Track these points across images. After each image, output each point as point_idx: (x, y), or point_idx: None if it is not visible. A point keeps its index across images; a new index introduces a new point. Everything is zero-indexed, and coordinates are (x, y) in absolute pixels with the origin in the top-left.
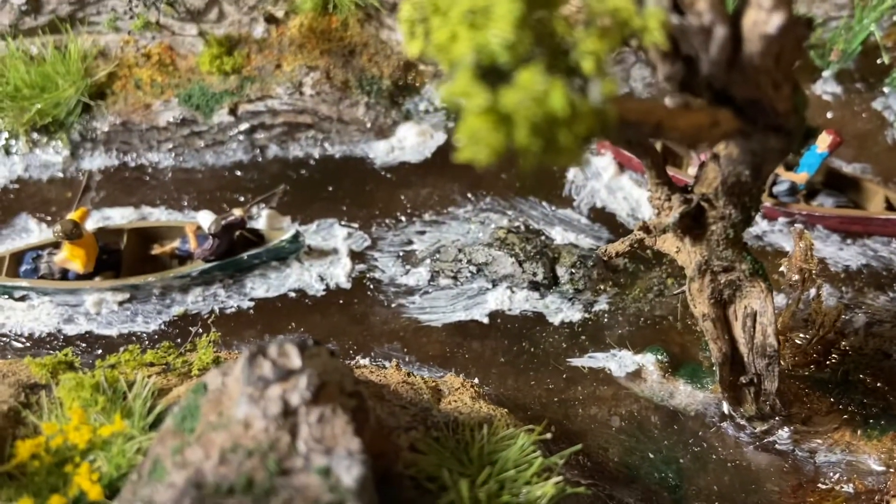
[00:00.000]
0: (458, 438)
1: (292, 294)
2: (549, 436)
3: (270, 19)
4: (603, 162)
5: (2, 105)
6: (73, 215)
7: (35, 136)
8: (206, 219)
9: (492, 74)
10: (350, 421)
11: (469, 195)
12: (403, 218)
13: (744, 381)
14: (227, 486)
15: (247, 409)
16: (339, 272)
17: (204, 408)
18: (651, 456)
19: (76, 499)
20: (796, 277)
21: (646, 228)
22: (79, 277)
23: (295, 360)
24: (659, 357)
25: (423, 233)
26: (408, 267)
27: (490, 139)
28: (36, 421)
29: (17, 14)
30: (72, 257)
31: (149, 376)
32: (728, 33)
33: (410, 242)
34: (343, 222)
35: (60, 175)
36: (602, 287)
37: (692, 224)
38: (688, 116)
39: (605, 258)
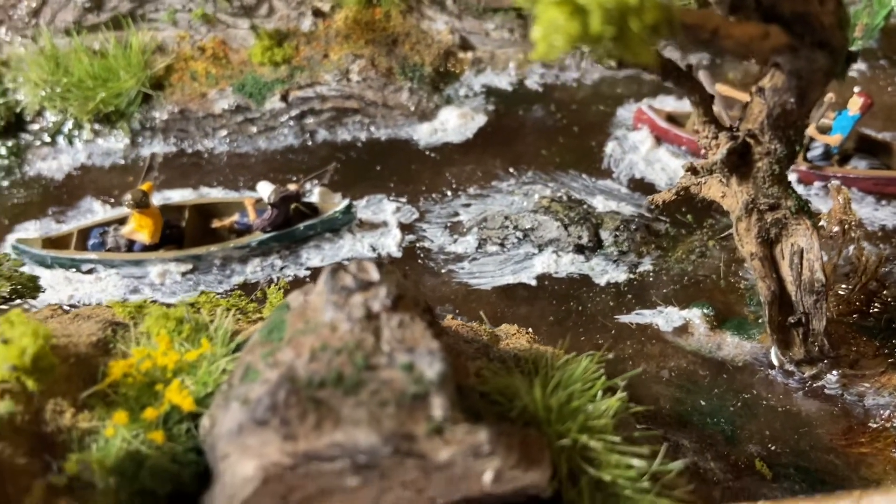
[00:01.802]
0: (521, 369)
1: (346, 262)
2: (610, 355)
3: (317, 13)
4: (640, 136)
5: (68, 95)
6: (141, 187)
7: (97, 125)
8: (265, 189)
9: None
10: (427, 327)
11: (511, 170)
12: (449, 192)
13: (792, 321)
14: (318, 380)
15: (332, 314)
16: (390, 242)
17: (289, 320)
18: (702, 403)
19: (167, 412)
20: (836, 229)
21: (693, 170)
22: (144, 249)
23: (374, 274)
24: (705, 311)
25: (468, 205)
26: (455, 236)
27: (567, 28)
28: (124, 349)
29: (80, 11)
30: (139, 228)
31: (225, 315)
32: None
33: (457, 214)
34: (391, 197)
35: (121, 162)
36: (645, 249)
37: (738, 161)
38: (742, 26)
39: (654, 206)
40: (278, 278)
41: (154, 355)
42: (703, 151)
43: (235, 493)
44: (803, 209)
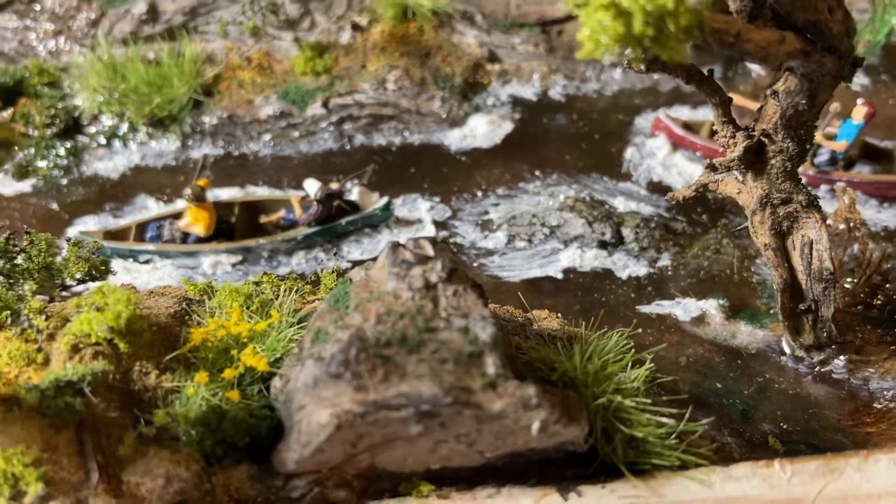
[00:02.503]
0: (555, 345)
1: (354, 268)
2: (640, 330)
3: (356, 27)
4: (657, 142)
5: (125, 101)
6: (198, 183)
7: (150, 129)
8: (312, 186)
9: None
10: (478, 297)
11: (537, 173)
12: (479, 193)
13: (802, 308)
14: (385, 340)
15: (394, 284)
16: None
17: (353, 291)
18: (718, 386)
19: (241, 375)
20: (843, 227)
21: (712, 167)
22: (198, 242)
23: (429, 250)
24: (721, 302)
25: (497, 205)
26: (486, 232)
27: (612, 28)
28: (200, 319)
29: (137, 23)
30: (195, 221)
31: (288, 293)
32: None
33: (486, 212)
34: (425, 197)
35: (172, 163)
36: (664, 246)
37: (754, 159)
38: (761, 32)
39: (674, 203)
40: (334, 264)
41: (227, 325)
42: (721, 150)
43: (311, 439)
44: (813, 203)
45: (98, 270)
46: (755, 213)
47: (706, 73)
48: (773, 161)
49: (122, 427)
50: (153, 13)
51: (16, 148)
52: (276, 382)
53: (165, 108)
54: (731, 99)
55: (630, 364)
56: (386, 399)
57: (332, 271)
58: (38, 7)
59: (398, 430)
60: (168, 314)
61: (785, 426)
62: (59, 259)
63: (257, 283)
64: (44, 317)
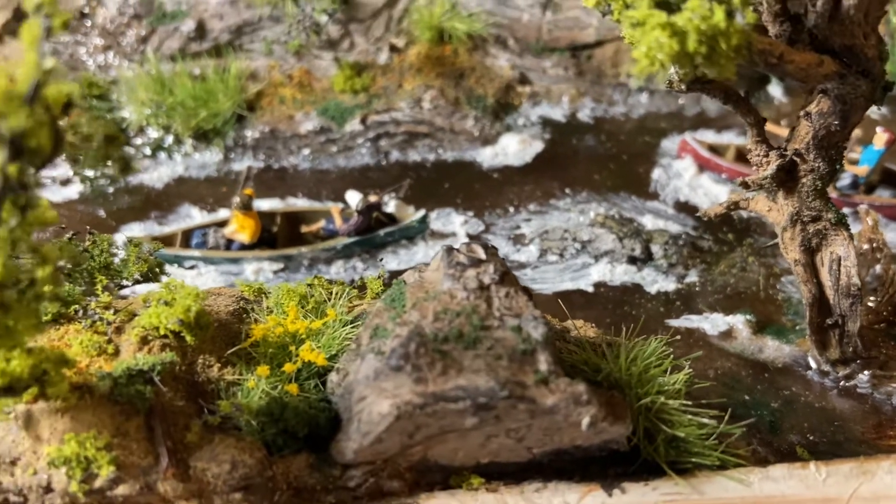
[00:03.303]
0: (594, 350)
1: (407, 271)
2: (678, 337)
3: (393, 48)
4: (684, 164)
5: (172, 114)
6: (246, 191)
7: (194, 141)
8: (353, 197)
9: (662, 5)
10: (528, 299)
11: (567, 191)
12: (511, 209)
13: (829, 323)
14: (442, 336)
15: (450, 285)
16: None
17: (408, 292)
18: (746, 398)
19: (298, 370)
20: (866, 247)
21: (745, 184)
22: (241, 249)
23: (481, 254)
24: (748, 317)
25: (528, 220)
26: (518, 246)
27: (669, 46)
28: (257, 317)
29: (185, 40)
30: (241, 229)
31: (340, 295)
32: None
33: (518, 227)
34: (459, 212)
35: (214, 175)
36: (691, 263)
37: (785, 177)
38: (801, 54)
39: (706, 218)
40: (381, 269)
41: (284, 323)
42: (755, 167)
43: (371, 429)
44: (841, 221)
45: (152, 272)
46: (786, 230)
47: (742, 94)
48: (804, 180)
49: (187, 416)
50: (201, 31)
51: (64, 157)
52: (333, 377)
53: (210, 121)
54: (765, 119)
55: (668, 370)
56: (444, 391)
57: (378, 276)
58: (89, 23)
59: (454, 422)
60: (227, 312)
61: (812, 437)
62: (116, 260)
63: (310, 286)
64: (112, 311)
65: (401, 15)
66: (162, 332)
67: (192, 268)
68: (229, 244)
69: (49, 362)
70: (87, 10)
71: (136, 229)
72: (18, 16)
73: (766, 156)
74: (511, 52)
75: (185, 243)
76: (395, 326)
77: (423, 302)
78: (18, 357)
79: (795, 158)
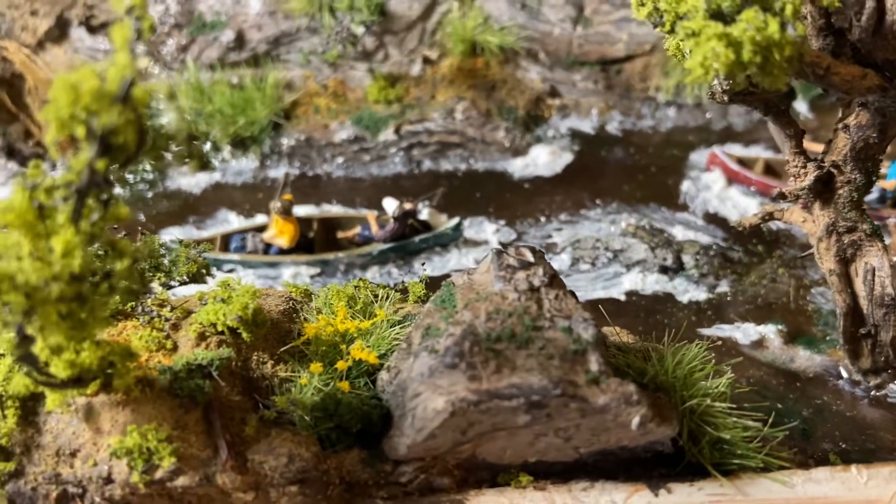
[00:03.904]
0: (634, 355)
1: (454, 274)
2: (719, 342)
3: (426, 60)
4: (713, 177)
5: (210, 121)
6: (284, 197)
7: (232, 148)
8: (390, 204)
9: (716, 16)
10: (577, 302)
11: (597, 201)
12: (542, 218)
13: (863, 332)
14: (495, 335)
15: (501, 286)
16: None
17: (458, 294)
18: (779, 406)
19: (350, 367)
20: (895, 259)
21: (782, 195)
22: (279, 253)
23: (530, 257)
24: (780, 327)
25: (560, 229)
26: (550, 255)
27: (725, 56)
28: (306, 317)
29: (224, 50)
30: (280, 233)
31: (386, 296)
32: (875, 6)
33: (550, 236)
34: (491, 220)
35: (251, 181)
36: (722, 273)
37: (822, 189)
38: (847, 67)
39: (740, 229)
40: (423, 273)
41: (334, 322)
42: (791, 179)
43: (425, 425)
44: (876, 233)
45: (199, 273)
46: (821, 241)
47: (781, 108)
48: (840, 191)
49: (243, 410)
50: (240, 41)
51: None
52: (383, 375)
53: (248, 129)
54: (803, 132)
55: (710, 374)
56: (498, 389)
57: (420, 280)
58: None
59: (507, 420)
60: (278, 311)
61: (843, 445)
62: (164, 261)
63: (356, 287)
64: (168, 308)
65: (434, 28)
66: (219, 329)
67: (230, 271)
68: (267, 248)
69: (116, 355)
70: None
71: (174, 233)
72: (61, 23)
73: (804, 167)
74: (542, 65)
75: (224, 247)
76: (447, 326)
77: (475, 302)
78: (88, 349)
79: (833, 170)
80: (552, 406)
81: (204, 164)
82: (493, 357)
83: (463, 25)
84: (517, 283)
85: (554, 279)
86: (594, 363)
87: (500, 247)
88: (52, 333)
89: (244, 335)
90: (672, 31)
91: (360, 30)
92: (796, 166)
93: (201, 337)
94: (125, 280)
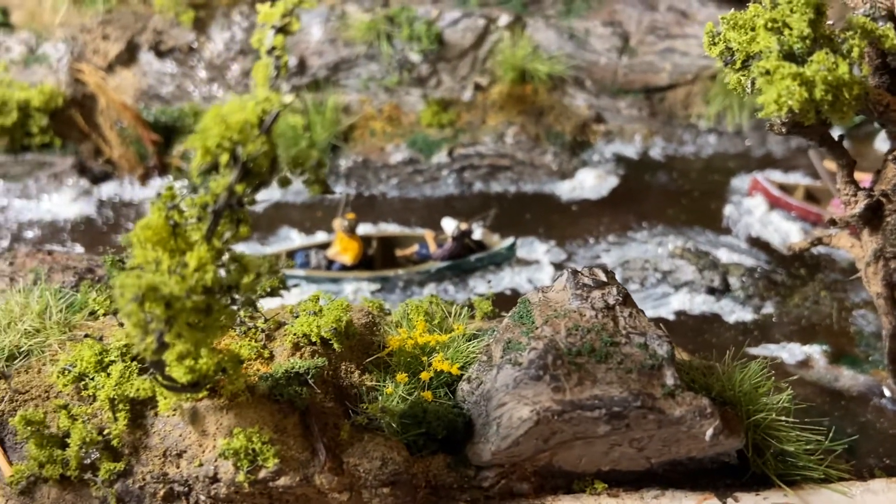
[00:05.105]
0: (695, 371)
1: (507, 292)
2: (779, 359)
3: (478, 87)
4: (754, 202)
5: (277, 141)
6: (348, 215)
7: (290, 168)
8: (449, 224)
9: (788, 57)
10: (650, 320)
11: (643, 224)
12: (590, 239)
13: None
14: (576, 350)
15: (578, 304)
16: (544, 276)
17: (534, 311)
18: (825, 423)
19: (432, 377)
20: None
21: (832, 221)
22: (341, 269)
23: (603, 277)
24: (824, 348)
25: (608, 250)
26: None
27: (799, 93)
28: (387, 330)
29: (286, 74)
30: (344, 251)
31: (460, 312)
32: None
33: (599, 257)
34: (541, 241)
35: (309, 200)
36: (766, 295)
37: (871, 216)
38: None
39: (791, 252)
40: (489, 290)
41: (414, 335)
42: (842, 206)
43: (510, 433)
44: None
45: (275, 287)
46: (869, 265)
47: (837, 139)
48: (888, 219)
49: (335, 416)
50: (301, 66)
51: (171, 178)
52: (464, 385)
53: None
54: (854, 162)
55: (770, 390)
56: (581, 400)
57: (487, 297)
58: (196, 57)
59: (587, 430)
60: (361, 324)
61: (888, 461)
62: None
63: (430, 303)
64: (262, 320)
65: (486, 56)
66: (313, 339)
67: (295, 286)
68: (330, 264)
69: (228, 362)
70: (195, 45)
71: (239, 249)
72: (130, 47)
73: (855, 195)
74: (588, 92)
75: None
76: (529, 340)
77: (554, 319)
78: (206, 356)
79: (882, 199)
80: (631, 417)
81: (326, 189)
82: (575, 370)
83: (513, 54)
84: (593, 301)
85: (627, 298)
86: (670, 377)
87: (572, 268)
88: (185, 341)
89: (336, 346)
90: (742, 69)
91: (417, 57)
92: (847, 194)
93: (296, 347)
94: (248, 293)
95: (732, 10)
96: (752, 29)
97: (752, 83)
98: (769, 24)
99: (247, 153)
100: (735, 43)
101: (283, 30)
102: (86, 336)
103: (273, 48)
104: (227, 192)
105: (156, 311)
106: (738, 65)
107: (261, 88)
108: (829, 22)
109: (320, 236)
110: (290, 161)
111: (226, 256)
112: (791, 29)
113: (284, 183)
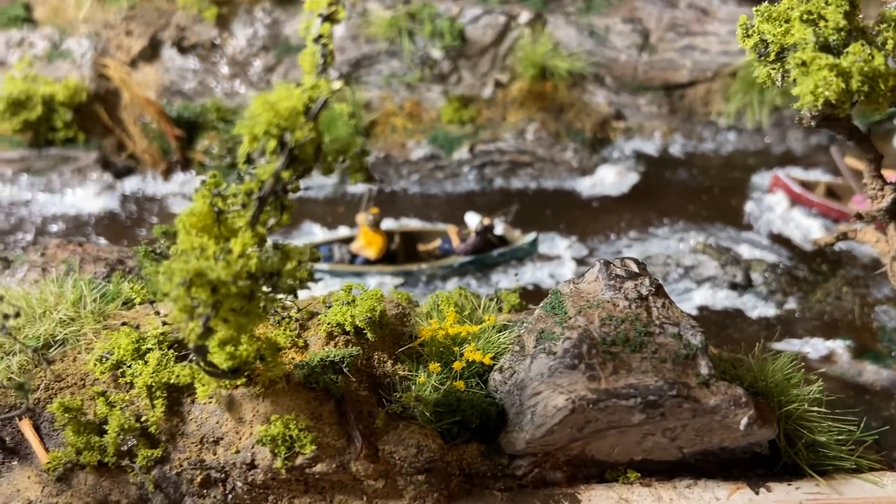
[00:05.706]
0: (724, 363)
1: (529, 287)
2: (808, 351)
3: (498, 84)
4: (775, 198)
5: None
6: (372, 210)
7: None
8: (473, 219)
9: (824, 49)
10: (682, 311)
11: (664, 220)
12: (612, 235)
13: None
14: (610, 340)
15: (611, 294)
16: (566, 272)
17: (566, 302)
18: (850, 416)
19: (463, 367)
20: None
21: (859, 216)
22: (365, 263)
23: (635, 268)
24: (847, 343)
25: (629, 246)
26: None
27: (836, 84)
28: (418, 321)
29: None
30: (368, 245)
31: (489, 304)
32: None
33: (620, 252)
34: (563, 236)
35: (332, 195)
36: (789, 290)
37: None
38: None
39: (817, 247)
40: (515, 284)
41: (445, 326)
42: (864, 202)
43: (545, 421)
44: None
45: (304, 281)
46: (894, 259)
47: (864, 133)
48: None
49: (369, 404)
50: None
51: (194, 172)
52: (496, 375)
53: (331, 146)
54: (882, 156)
55: (801, 382)
56: (616, 388)
57: (514, 290)
58: (219, 53)
59: (622, 418)
60: (392, 315)
61: None
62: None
63: (459, 295)
64: (295, 309)
65: (506, 53)
66: (346, 329)
67: (318, 280)
68: (353, 258)
69: (267, 349)
70: (217, 42)
71: None
72: (153, 43)
73: (882, 189)
74: (608, 89)
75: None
76: (563, 330)
77: (587, 309)
78: (246, 342)
79: None
80: (666, 406)
81: (369, 178)
82: (610, 359)
83: (533, 51)
84: (626, 291)
85: (659, 288)
86: (704, 367)
87: (605, 259)
88: (228, 327)
89: (369, 335)
90: (776, 61)
91: (439, 54)
92: (874, 189)
93: (330, 336)
94: (290, 280)
95: (754, 7)
96: (787, 21)
97: (783, 76)
98: (804, 16)
99: (294, 140)
100: (769, 35)
101: (329, 18)
102: (123, 324)
103: (320, 36)
104: (273, 178)
105: (202, 296)
106: (773, 56)
107: (308, 76)
108: (860, 16)
109: (342, 231)
110: (333, 149)
111: (268, 243)
112: (826, 21)
113: (328, 171)
